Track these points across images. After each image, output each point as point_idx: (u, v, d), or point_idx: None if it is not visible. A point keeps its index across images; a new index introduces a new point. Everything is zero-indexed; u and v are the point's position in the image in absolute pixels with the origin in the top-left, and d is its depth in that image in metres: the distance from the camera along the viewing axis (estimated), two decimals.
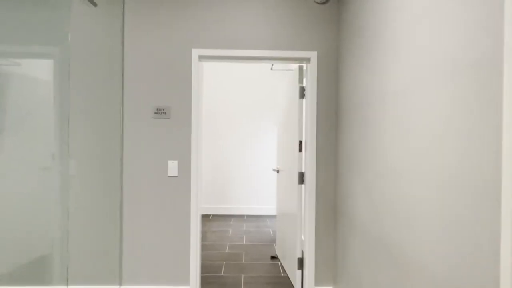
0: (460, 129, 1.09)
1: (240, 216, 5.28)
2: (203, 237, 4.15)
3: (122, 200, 2.46)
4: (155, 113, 2.47)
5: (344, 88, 2.33)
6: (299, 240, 2.68)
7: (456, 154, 1.11)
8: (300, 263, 2.66)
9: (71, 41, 2.36)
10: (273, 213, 5.43)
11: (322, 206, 2.55)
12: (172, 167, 2.46)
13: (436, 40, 1.24)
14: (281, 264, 3.29)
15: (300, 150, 2.67)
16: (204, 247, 3.75)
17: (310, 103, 2.53)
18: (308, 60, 2.53)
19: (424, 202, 1.30)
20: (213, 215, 5.33)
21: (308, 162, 2.55)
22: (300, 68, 2.67)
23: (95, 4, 2.11)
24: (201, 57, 2.50)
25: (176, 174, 2.47)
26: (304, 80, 2.69)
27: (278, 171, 3.44)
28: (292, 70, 3.37)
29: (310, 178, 2.53)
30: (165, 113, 2.47)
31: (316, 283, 2.55)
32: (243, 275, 3.01)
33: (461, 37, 1.10)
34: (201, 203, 5.43)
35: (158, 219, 2.48)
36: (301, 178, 2.66)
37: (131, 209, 2.47)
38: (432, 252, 1.24)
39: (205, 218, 5.17)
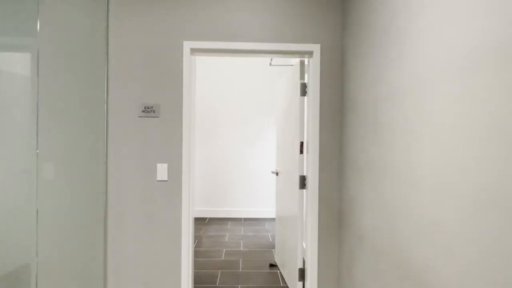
0: (496, 132, 0.89)
1: (238, 219, 5.07)
2: (198, 243, 3.94)
3: (107, 207, 2.24)
4: (143, 111, 2.25)
5: (351, 83, 2.11)
6: (300, 248, 2.47)
7: (494, 161, 0.90)
8: (302, 274, 2.45)
9: (47, 32, 2.15)
10: (272, 215, 5.22)
11: (324, 213, 2.34)
12: (162, 170, 2.25)
13: (466, 24, 1.03)
14: (280, 273, 3.09)
15: (301, 151, 2.46)
16: (199, 254, 3.54)
17: (312, 101, 2.32)
18: (310, 53, 2.31)
19: (454, 217, 1.09)
20: (210, 218, 5.12)
21: (310, 165, 2.34)
22: (302, 63, 2.46)
23: None
24: (193, 50, 2.29)
25: (166, 179, 2.26)
26: (306, 76, 2.48)
27: (277, 174, 3.23)
28: (292, 65, 3.16)
29: (313, 182, 2.32)
30: (153, 111, 2.25)
31: None
32: (239, 286, 2.80)
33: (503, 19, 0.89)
34: (197, 205, 5.23)
35: (146, 227, 2.26)
36: (303, 182, 2.45)
37: (116, 216, 2.25)
38: (461, 276, 1.03)
39: (201, 221, 4.96)
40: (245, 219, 5.09)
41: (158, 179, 2.25)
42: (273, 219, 5.15)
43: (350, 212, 2.09)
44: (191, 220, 2.31)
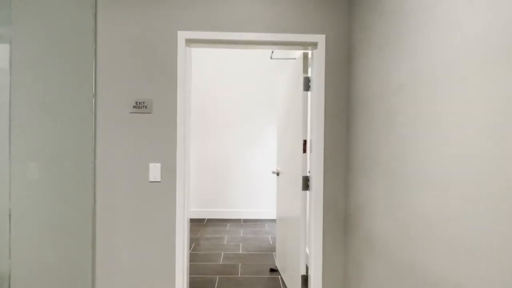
0: None
1: (237, 221, 4.91)
2: (196, 246, 3.78)
3: (95, 209, 2.08)
4: (134, 107, 2.09)
5: (359, 76, 1.95)
6: (303, 254, 2.31)
7: None
8: (305, 281, 2.29)
9: (28, 22, 1.98)
10: (272, 216, 5.06)
11: (329, 217, 2.18)
12: (154, 170, 2.09)
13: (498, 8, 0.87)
14: (281, 278, 2.93)
15: (304, 150, 2.30)
16: (196, 258, 3.38)
17: (316, 96, 2.16)
18: (314, 45, 2.15)
19: (485, 227, 0.93)
20: (208, 220, 4.96)
21: (314, 165, 2.17)
22: (305, 56, 2.30)
23: None
24: (189, 41, 2.12)
25: (159, 179, 2.09)
26: (310, 69, 2.32)
27: (278, 174, 3.07)
28: (294, 58, 3.00)
29: (317, 183, 2.16)
30: (145, 107, 2.09)
31: None
32: None
33: None
34: (195, 206, 5.07)
35: (137, 231, 2.10)
36: (306, 183, 2.29)
37: (105, 219, 2.09)
38: None
39: (199, 222, 4.80)
40: (245, 220, 4.93)
41: (150, 179, 2.09)
42: (273, 220, 4.99)
43: (359, 217, 1.93)
44: (186, 224, 2.15)
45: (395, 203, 1.47)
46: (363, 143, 1.86)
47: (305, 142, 2.30)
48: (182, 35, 2.08)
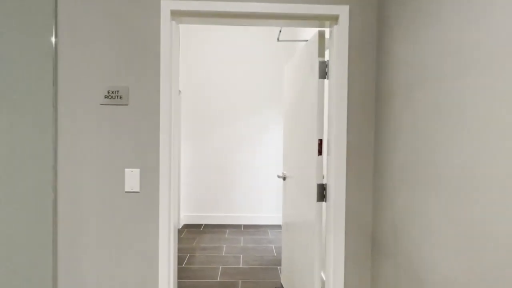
0: None
1: (237, 226, 4.48)
2: (191, 257, 3.34)
3: (57, 226, 1.64)
4: (106, 97, 1.64)
5: (397, 57, 1.50)
6: (318, 279, 1.87)
7: None
8: None
9: None
10: (275, 222, 4.62)
11: (352, 236, 1.74)
12: (132, 178, 1.65)
13: None
14: None
15: (320, 152, 1.85)
16: (190, 273, 2.95)
17: (335, 85, 1.71)
18: (334, 19, 1.70)
19: None
20: (205, 225, 4.53)
21: (332, 170, 1.73)
22: (321, 35, 1.84)
23: None
24: (175, 13, 1.67)
25: (138, 189, 1.65)
26: (327, 52, 1.87)
27: (284, 178, 2.63)
28: (306, 40, 2.54)
29: (337, 193, 1.72)
30: (120, 97, 1.65)
31: None
32: None
33: None
34: (191, 211, 4.60)
35: (109, 257, 1.66)
36: (321, 192, 1.85)
37: (69, 239, 1.65)
38: None
39: (196, 229, 4.37)
40: (245, 226, 4.49)
41: (126, 189, 1.65)
42: (277, 226, 4.55)
43: (396, 240, 1.48)
44: (172, 242, 1.71)
45: (468, 231, 1.03)
46: (406, 145, 1.41)
47: (321, 142, 1.85)
48: (166, 6, 1.63)
